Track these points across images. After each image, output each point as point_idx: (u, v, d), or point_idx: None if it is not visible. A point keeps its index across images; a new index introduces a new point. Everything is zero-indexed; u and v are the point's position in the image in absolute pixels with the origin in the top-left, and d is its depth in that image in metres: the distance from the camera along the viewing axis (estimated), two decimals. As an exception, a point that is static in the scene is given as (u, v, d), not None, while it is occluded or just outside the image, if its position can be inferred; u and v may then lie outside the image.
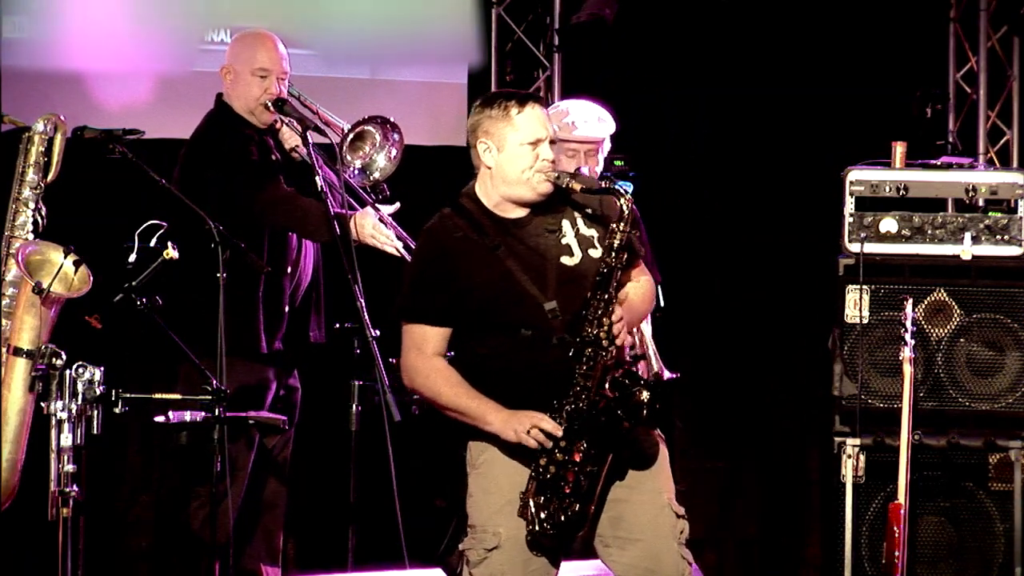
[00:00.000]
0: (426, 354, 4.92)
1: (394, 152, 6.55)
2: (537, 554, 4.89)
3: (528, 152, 4.90)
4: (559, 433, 4.80)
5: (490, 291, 4.87)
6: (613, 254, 4.87)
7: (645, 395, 4.82)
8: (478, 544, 4.91)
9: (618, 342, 4.85)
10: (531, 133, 4.90)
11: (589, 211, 4.97)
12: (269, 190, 6.24)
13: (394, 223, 6.37)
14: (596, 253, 4.92)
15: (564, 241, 4.93)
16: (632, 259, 4.97)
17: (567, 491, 4.81)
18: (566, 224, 4.95)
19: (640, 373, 4.89)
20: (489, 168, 4.94)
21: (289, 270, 6.36)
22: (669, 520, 4.95)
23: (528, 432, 4.79)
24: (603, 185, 4.92)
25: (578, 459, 4.81)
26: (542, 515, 4.82)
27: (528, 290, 4.87)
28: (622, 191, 4.90)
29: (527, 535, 4.85)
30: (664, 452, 5.00)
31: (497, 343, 4.89)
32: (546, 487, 4.83)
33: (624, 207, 4.88)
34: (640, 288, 5.05)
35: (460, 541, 5.02)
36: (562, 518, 4.82)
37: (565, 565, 5.11)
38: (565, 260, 4.92)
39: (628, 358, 4.94)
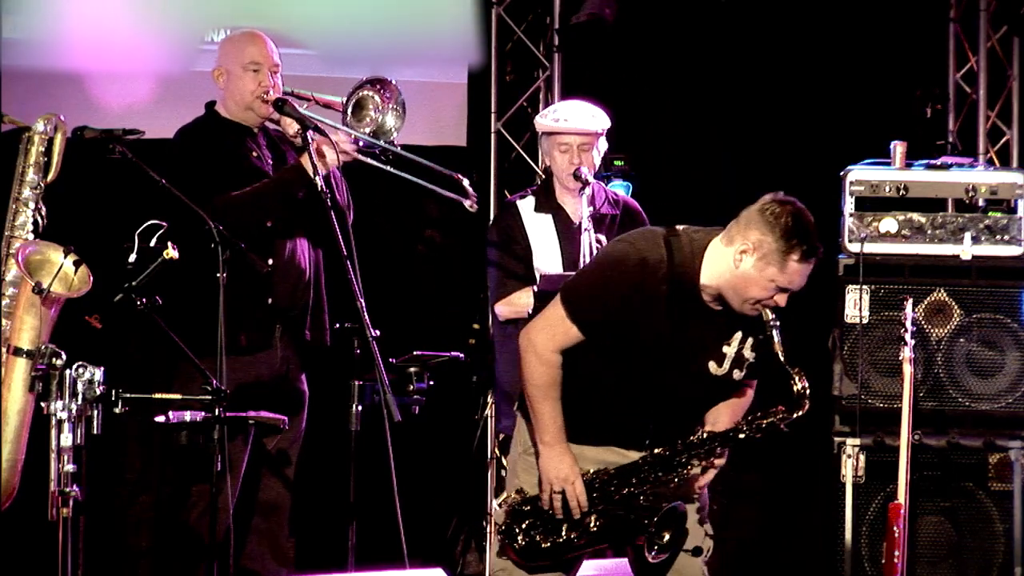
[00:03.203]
0: (555, 343, 4.89)
1: (397, 107, 6.53)
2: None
3: (769, 288, 4.79)
4: (576, 515, 4.88)
5: (645, 347, 4.85)
6: (748, 430, 4.91)
7: (667, 536, 4.88)
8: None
9: (704, 482, 4.95)
10: (786, 280, 4.78)
11: (760, 338, 4.91)
12: (216, 199, 6.20)
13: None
14: (739, 375, 4.93)
15: (724, 350, 4.91)
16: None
17: (555, 537, 4.91)
18: (737, 337, 4.92)
19: (681, 515, 4.92)
20: (734, 266, 4.79)
21: (271, 261, 6.33)
22: (697, 539, 4.99)
23: (555, 494, 4.87)
24: (794, 371, 4.85)
25: (581, 526, 4.89)
26: (521, 526, 4.93)
27: (672, 367, 4.87)
28: (803, 390, 4.85)
29: (501, 525, 4.94)
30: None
31: (610, 381, 4.91)
32: (542, 514, 4.92)
33: (800, 402, 4.85)
34: (743, 402, 5.06)
35: (463, 536, 5.07)
36: (534, 543, 4.91)
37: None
38: (712, 366, 4.91)
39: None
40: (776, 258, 4.74)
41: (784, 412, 4.87)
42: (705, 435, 4.91)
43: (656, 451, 4.89)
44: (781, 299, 4.80)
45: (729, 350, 4.90)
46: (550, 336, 4.90)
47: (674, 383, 4.89)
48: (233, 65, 6.46)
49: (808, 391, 4.83)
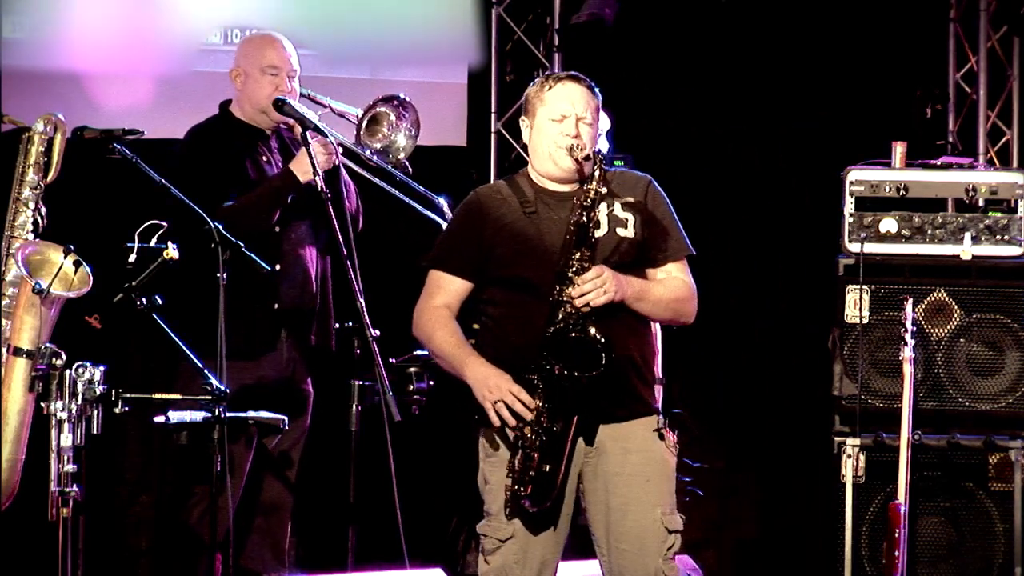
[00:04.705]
0: (433, 300, 5.04)
1: (411, 128, 6.58)
2: (544, 543, 4.97)
3: (553, 127, 5.03)
4: (529, 416, 4.86)
5: (514, 249, 4.99)
6: (583, 212, 4.94)
7: (591, 329, 4.83)
8: (493, 533, 5.00)
9: (593, 300, 4.88)
10: (557, 109, 5.03)
11: (629, 200, 5.06)
12: (219, 209, 6.20)
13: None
14: (624, 232, 5.02)
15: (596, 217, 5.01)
16: (662, 254, 5.06)
17: (533, 451, 4.86)
18: (602, 206, 5.02)
19: (593, 332, 4.89)
20: (527, 140, 5.11)
21: (278, 267, 6.33)
22: (658, 536, 4.99)
23: (496, 404, 4.86)
24: (594, 156, 4.98)
25: (544, 420, 4.87)
26: (515, 479, 4.89)
27: (549, 252, 4.95)
28: (598, 155, 4.97)
29: (504, 503, 4.92)
30: (668, 464, 5.04)
31: (511, 302, 4.97)
32: (516, 449, 4.90)
33: (597, 164, 4.95)
34: (669, 283, 5.08)
35: (463, 536, 5.05)
36: (529, 477, 4.87)
37: (566, 565, 5.13)
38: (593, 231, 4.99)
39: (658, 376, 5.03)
40: (537, 103, 5.05)
41: (593, 180, 4.94)
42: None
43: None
44: (569, 127, 5.01)
45: (600, 216, 5.00)
46: (427, 296, 5.05)
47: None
48: (251, 68, 6.47)
49: (601, 162, 4.95)
